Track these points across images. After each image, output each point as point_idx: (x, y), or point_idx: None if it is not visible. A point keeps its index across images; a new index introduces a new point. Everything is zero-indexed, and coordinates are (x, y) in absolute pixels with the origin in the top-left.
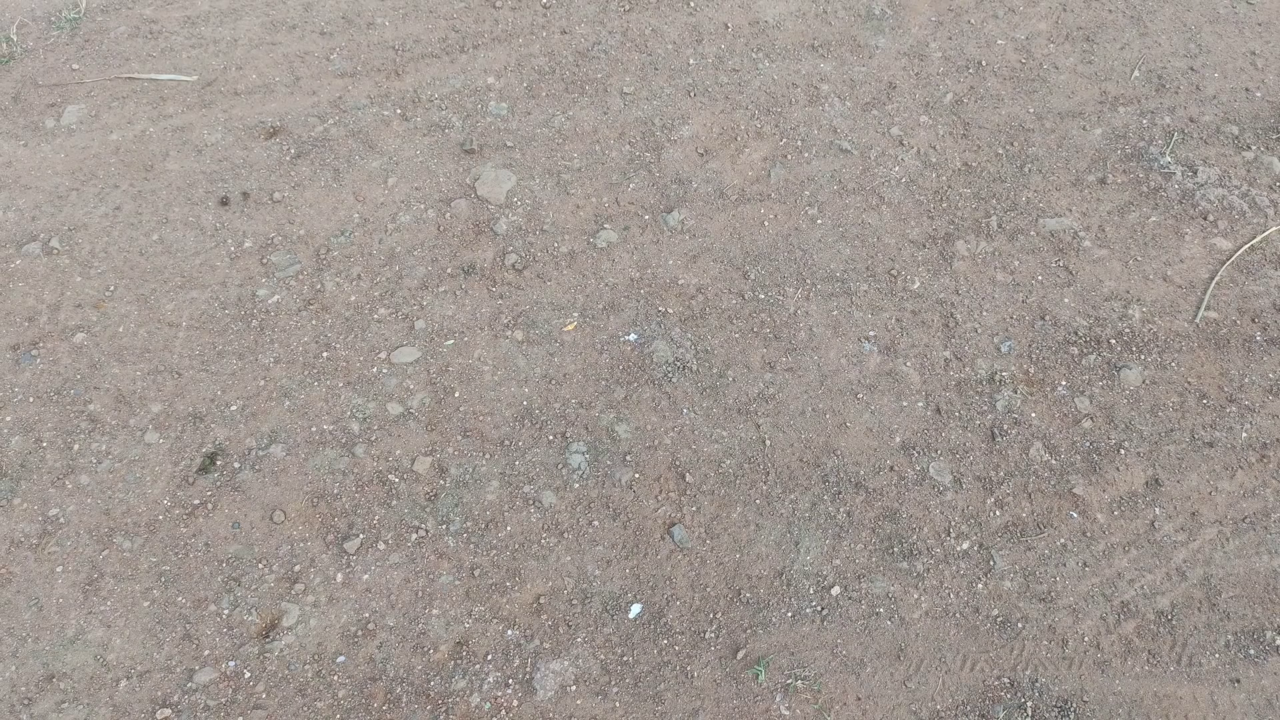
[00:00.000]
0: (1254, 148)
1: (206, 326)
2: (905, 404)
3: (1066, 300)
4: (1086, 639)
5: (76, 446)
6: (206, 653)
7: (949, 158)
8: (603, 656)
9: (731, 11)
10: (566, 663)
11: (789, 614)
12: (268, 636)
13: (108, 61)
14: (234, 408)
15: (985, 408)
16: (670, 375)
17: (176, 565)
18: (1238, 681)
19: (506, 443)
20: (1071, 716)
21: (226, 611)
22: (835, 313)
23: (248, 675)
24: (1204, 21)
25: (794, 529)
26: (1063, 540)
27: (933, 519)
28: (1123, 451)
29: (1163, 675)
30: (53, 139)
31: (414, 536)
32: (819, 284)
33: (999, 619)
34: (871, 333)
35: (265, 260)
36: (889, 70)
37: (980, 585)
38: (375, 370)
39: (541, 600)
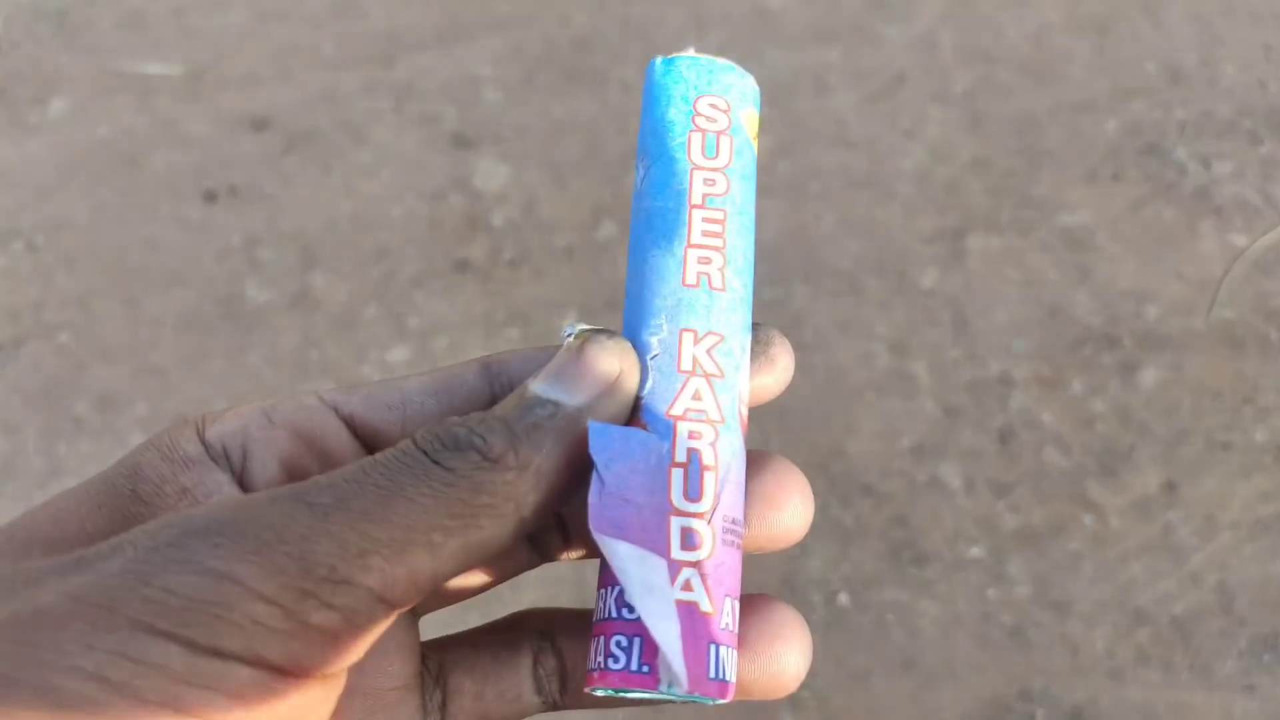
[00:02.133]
0: (1269, 142)
1: (193, 325)
2: (915, 405)
3: (1080, 298)
4: (1099, 647)
5: (61, 448)
6: None
7: (960, 151)
8: None
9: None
10: None
11: None
12: None
13: (94, 54)
14: (221, 409)
15: (997, 409)
16: None
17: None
18: (1252, 689)
19: None
20: None
21: None
22: (843, 311)
23: None
24: (1217, 13)
25: None
26: (1076, 545)
27: (943, 524)
28: (1137, 454)
29: (1176, 683)
30: (38, 134)
31: None
32: (826, 281)
33: (1011, 627)
34: (881, 331)
35: (253, 257)
36: (898, 61)
37: (992, 592)
38: (366, 370)
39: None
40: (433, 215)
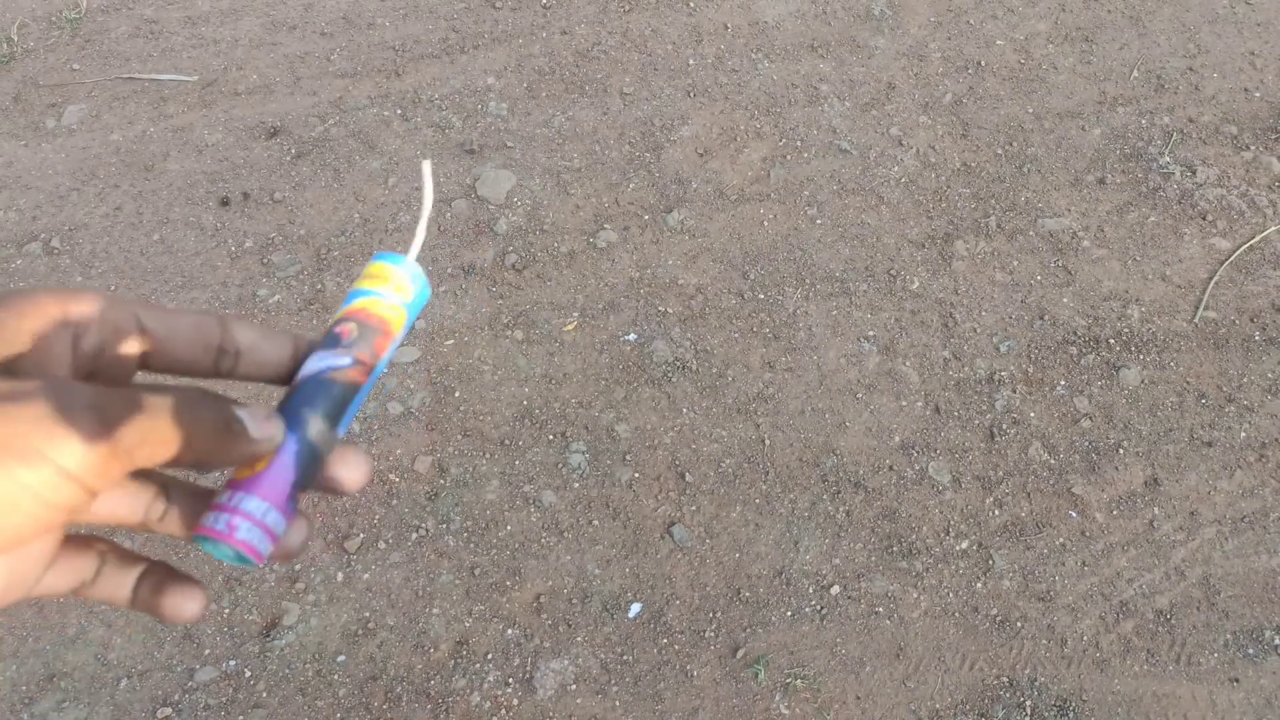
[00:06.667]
0: (1253, 148)
1: None
2: (904, 404)
3: (1065, 300)
4: (1085, 638)
5: None
6: (207, 652)
7: (948, 158)
8: (603, 655)
9: (731, 12)
10: (566, 661)
11: (788, 613)
12: (268, 635)
13: (108, 61)
14: None
15: (984, 407)
16: (670, 375)
17: (177, 564)
18: (1236, 681)
19: (506, 442)
20: (1070, 715)
21: (227, 611)
22: (835, 312)
23: (248, 674)
24: (1203, 21)
25: (793, 528)
26: (1061, 540)
27: (932, 518)
28: (1121, 451)
29: (1161, 674)
30: (54, 139)
31: (414, 536)
32: (818, 284)
33: (998, 618)
34: (871, 332)
35: (266, 260)
36: (888, 70)
37: (979, 584)
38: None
39: (541, 599)
40: (440, 221)
